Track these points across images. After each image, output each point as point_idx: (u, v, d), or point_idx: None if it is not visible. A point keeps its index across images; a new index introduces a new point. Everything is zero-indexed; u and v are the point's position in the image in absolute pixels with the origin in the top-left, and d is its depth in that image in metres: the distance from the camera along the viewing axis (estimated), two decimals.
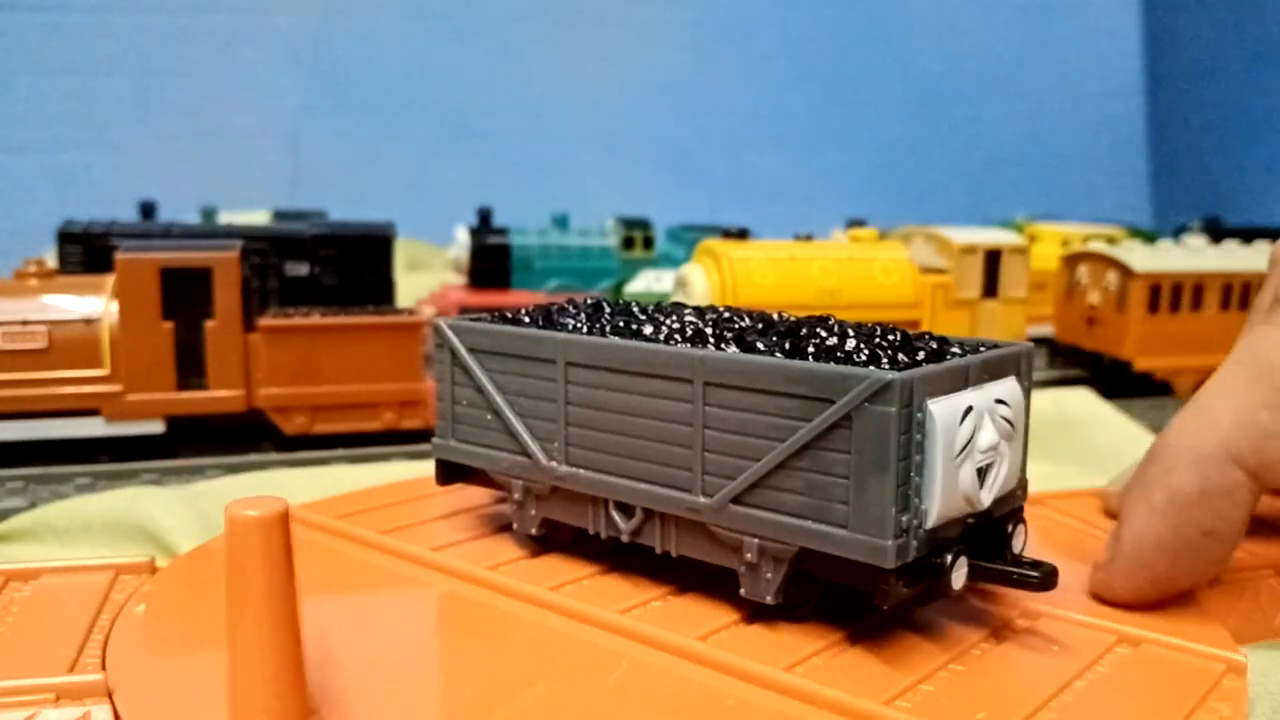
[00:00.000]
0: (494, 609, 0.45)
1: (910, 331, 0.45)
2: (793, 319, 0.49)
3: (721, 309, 0.53)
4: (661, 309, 0.53)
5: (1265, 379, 0.43)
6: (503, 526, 0.54)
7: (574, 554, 0.50)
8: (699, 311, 0.52)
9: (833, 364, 0.40)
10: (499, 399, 0.49)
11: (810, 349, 0.42)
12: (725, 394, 0.42)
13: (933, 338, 0.44)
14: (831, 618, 0.43)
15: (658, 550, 0.46)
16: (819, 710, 0.37)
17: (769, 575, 0.42)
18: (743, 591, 0.42)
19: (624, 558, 0.49)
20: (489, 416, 0.50)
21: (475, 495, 0.58)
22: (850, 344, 0.42)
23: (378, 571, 0.50)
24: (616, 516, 0.47)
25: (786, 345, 0.43)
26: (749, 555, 0.42)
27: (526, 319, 0.52)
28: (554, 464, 0.48)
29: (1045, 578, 0.41)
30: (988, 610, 0.45)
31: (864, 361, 0.40)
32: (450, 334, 0.51)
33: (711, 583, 0.46)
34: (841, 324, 0.46)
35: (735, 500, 0.42)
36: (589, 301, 0.54)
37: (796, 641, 0.41)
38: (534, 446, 0.48)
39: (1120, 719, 0.37)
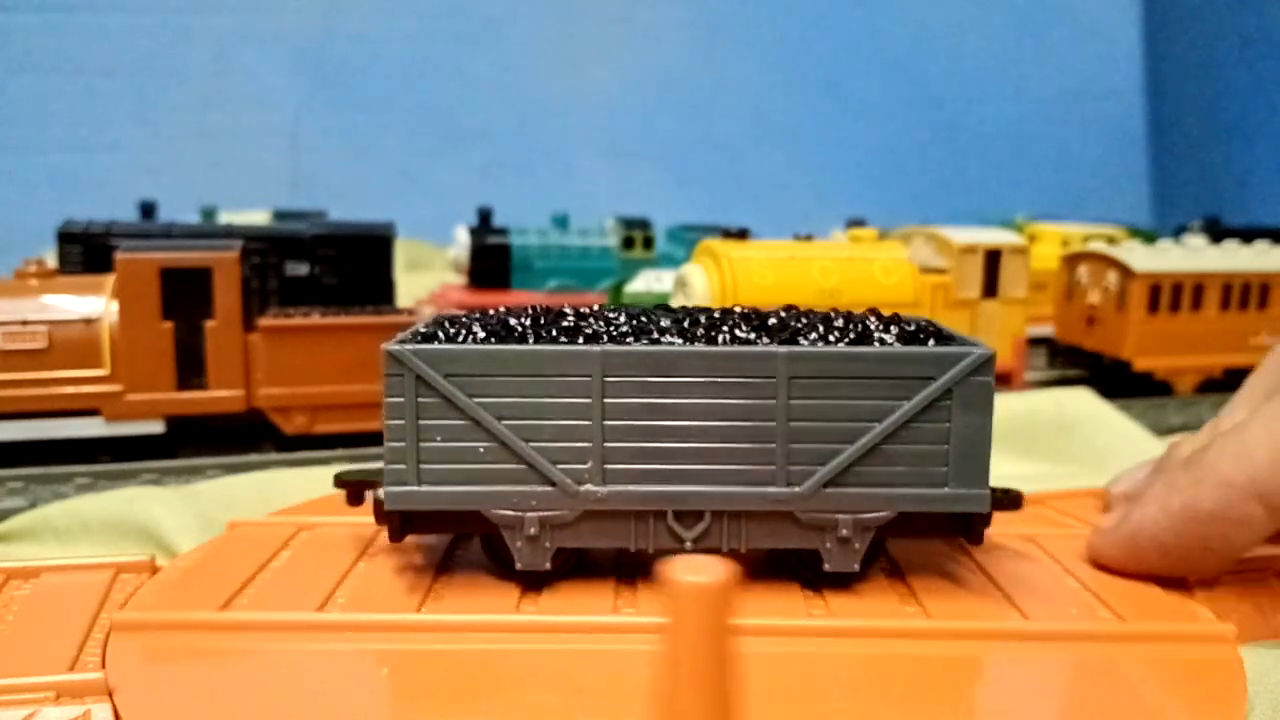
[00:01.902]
0: (610, 653, 0.41)
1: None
2: (760, 313, 0.51)
3: (675, 308, 0.53)
4: (625, 311, 0.51)
5: None
6: (431, 567, 0.48)
7: (569, 579, 0.47)
8: (687, 311, 0.52)
9: (928, 346, 0.46)
10: (501, 427, 0.44)
11: (871, 336, 0.47)
12: (815, 386, 0.45)
13: (888, 314, 0.51)
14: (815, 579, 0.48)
15: (724, 549, 0.46)
16: (980, 641, 0.43)
17: (858, 546, 0.46)
18: (828, 566, 0.46)
19: (611, 573, 0.48)
20: (482, 449, 0.44)
21: (324, 543, 0.51)
22: (888, 328, 0.48)
23: (398, 657, 0.41)
24: (676, 526, 0.45)
25: (844, 337, 0.47)
26: (844, 531, 0.46)
27: (481, 333, 0.46)
28: (589, 487, 0.45)
29: (1017, 497, 0.49)
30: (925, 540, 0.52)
31: (924, 342, 0.47)
32: (418, 361, 0.43)
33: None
34: (814, 313, 0.51)
35: (828, 484, 0.45)
36: (543, 309, 0.51)
37: (879, 598, 0.47)
38: (557, 472, 0.44)
39: (1131, 587, 0.48)
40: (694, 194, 2.39)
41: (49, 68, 2.13)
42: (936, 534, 0.47)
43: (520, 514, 0.45)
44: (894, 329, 0.48)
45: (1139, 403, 1.05)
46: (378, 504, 0.46)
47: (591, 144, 2.42)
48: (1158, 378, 1.14)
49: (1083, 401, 0.91)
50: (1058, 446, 0.86)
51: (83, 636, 0.41)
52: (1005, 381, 1.07)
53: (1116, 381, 1.13)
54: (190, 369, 0.82)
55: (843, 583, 0.47)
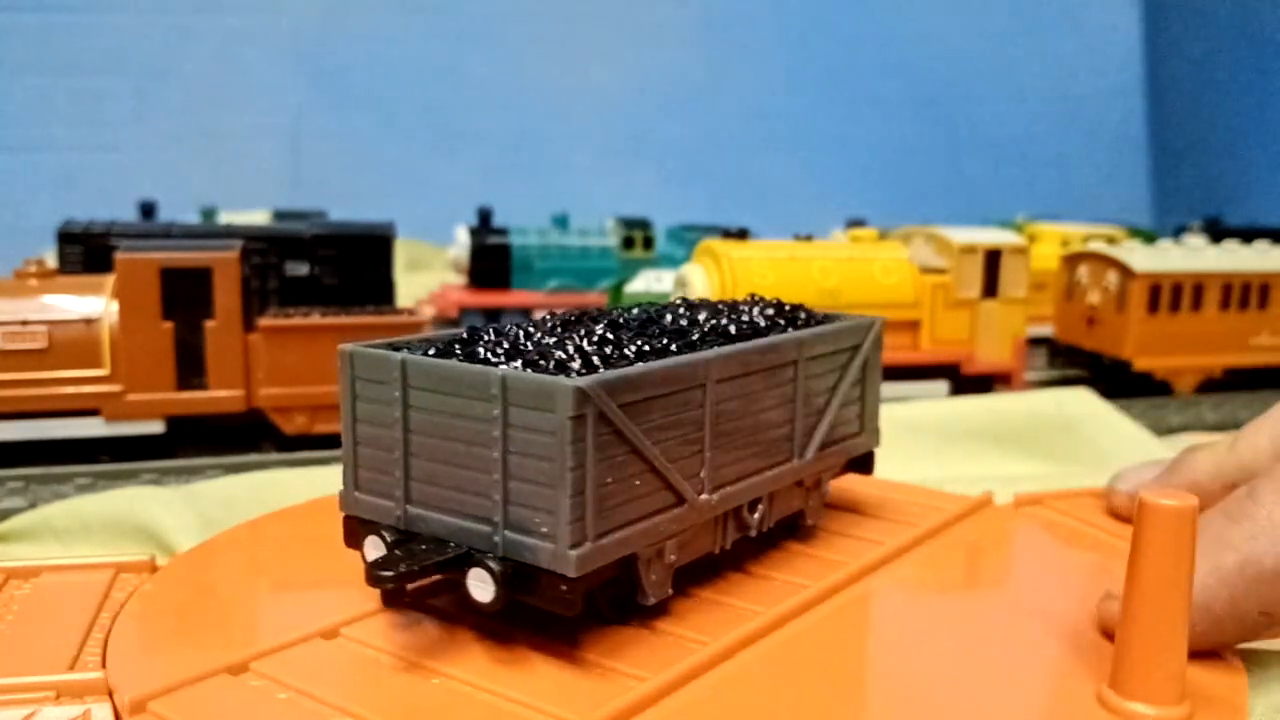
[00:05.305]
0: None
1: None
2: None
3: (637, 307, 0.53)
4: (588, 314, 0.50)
5: None
6: (485, 637, 0.42)
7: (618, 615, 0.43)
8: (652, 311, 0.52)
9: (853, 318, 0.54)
10: (656, 452, 0.40)
11: (801, 317, 0.53)
12: (811, 365, 0.50)
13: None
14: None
15: (765, 529, 0.49)
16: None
17: (827, 495, 0.54)
18: (810, 521, 0.53)
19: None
20: (638, 482, 0.40)
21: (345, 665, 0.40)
22: (781, 310, 0.53)
23: None
24: (747, 516, 0.47)
25: (780, 319, 0.51)
26: (825, 488, 0.54)
27: (487, 354, 0.41)
28: (705, 496, 0.43)
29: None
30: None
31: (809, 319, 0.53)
32: (604, 395, 0.37)
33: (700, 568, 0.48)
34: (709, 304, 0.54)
35: (822, 446, 0.51)
36: (553, 319, 0.48)
37: (838, 556, 0.51)
38: (688, 488, 0.42)
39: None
40: (694, 194, 2.39)
41: (49, 68, 2.13)
42: (846, 472, 0.56)
43: (663, 541, 0.42)
44: (771, 310, 0.53)
45: (1139, 403, 1.05)
46: (524, 578, 0.38)
47: (591, 144, 2.42)
48: (1158, 378, 1.14)
49: (1083, 401, 0.91)
50: (1058, 446, 0.86)
51: (83, 636, 0.41)
52: (1005, 381, 1.07)
53: (1116, 381, 1.13)
54: (190, 369, 0.82)
55: (794, 542, 0.53)
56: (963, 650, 0.42)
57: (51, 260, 0.89)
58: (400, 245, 1.11)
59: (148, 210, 1.40)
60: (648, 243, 1.57)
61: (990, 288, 1.05)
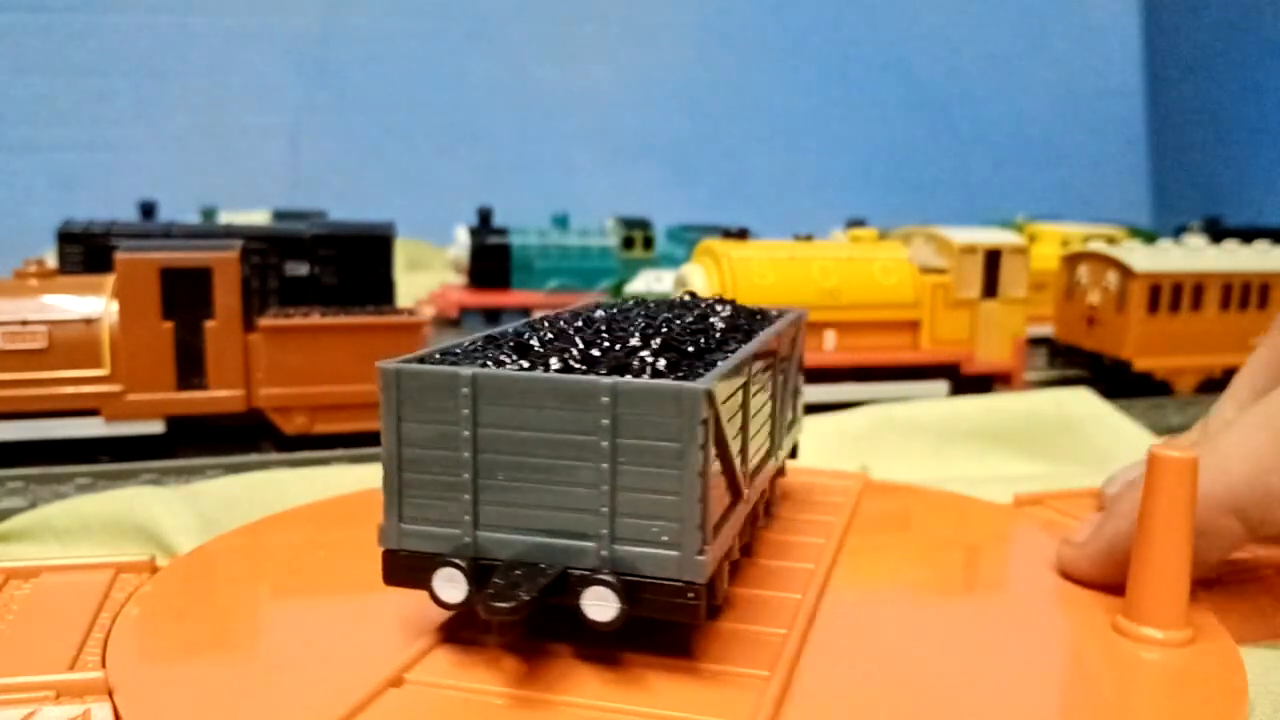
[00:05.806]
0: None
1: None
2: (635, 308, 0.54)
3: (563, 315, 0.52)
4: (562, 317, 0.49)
5: None
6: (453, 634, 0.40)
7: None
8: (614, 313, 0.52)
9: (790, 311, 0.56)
10: (734, 448, 0.39)
11: (758, 314, 0.54)
12: (784, 363, 0.52)
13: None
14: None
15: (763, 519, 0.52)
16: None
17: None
18: (774, 508, 0.55)
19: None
20: (722, 481, 0.39)
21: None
22: (728, 309, 0.54)
23: None
24: (760, 507, 0.49)
25: (741, 317, 0.52)
26: (782, 480, 0.57)
27: (567, 362, 0.38)
28: (747, 491, 0.43)
29: None
30: None
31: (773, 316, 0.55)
32: (705, 400, 0.35)
33: None
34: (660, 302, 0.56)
35: (787, 433, 0.53)
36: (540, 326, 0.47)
37: (809, 538, 0.53)
38: (742, 484, 0.41)
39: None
40: (694, 194, 2.39)
41: (49, 68, 2.13)
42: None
43: (734, 538, 0.41)
44: (730, 307, 0.54)
45: (1139, 403, 1.05)
46: (638, 590, 0.36)
47: (591, 144, 2.42)
48: (1158, 378, 1.14)
49: (1083, 401, 0.91)
50: (1058, 446, 0.86)
51: (83, 636, 0.41)
52: (1005, 381, 1.07)
53: (1116, 381, 1.13)
54: (190, 369, 0.82)
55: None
56: (984, 610, 0.47)
57: (51, 260, 0.89)
58: (400, 245, 1.11)
59: (148, 210, 1.40)
60: (648, 243, 1.57)
61: (990, 288, 1.05)
